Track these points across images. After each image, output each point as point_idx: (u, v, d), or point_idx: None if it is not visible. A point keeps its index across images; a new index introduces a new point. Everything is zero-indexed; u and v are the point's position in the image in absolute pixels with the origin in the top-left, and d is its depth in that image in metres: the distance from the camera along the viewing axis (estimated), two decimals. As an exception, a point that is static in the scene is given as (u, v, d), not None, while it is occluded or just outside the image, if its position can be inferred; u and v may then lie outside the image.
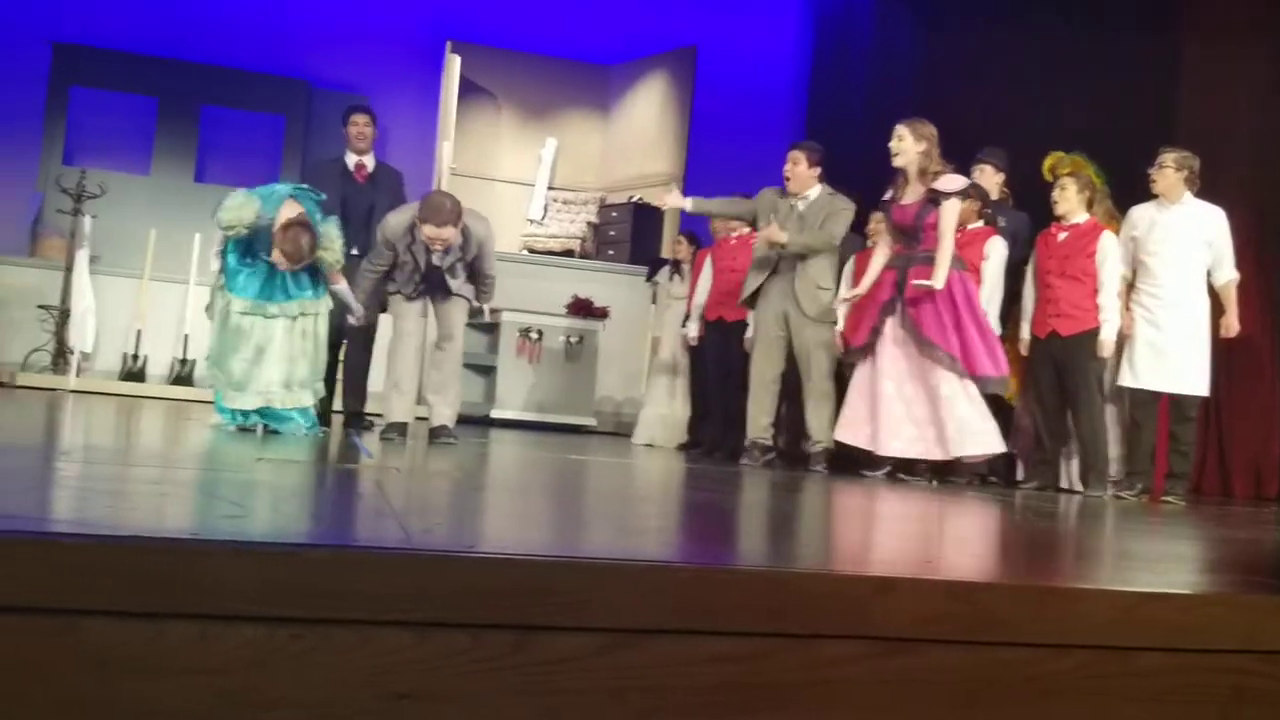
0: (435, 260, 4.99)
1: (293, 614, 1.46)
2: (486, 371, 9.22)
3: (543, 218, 11.19)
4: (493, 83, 11.27)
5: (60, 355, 8.94)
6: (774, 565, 1.89)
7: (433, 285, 5.16)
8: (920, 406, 5.28)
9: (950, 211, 5.29)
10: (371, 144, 5.97)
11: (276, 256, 4.60)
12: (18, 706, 1.37)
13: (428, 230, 4.83)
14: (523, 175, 11.36)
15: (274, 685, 1.44)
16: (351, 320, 5.17)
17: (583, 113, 11.53)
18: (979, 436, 5.20)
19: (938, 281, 5.18)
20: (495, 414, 8.68)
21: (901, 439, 5.29)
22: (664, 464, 5.46)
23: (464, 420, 9.04)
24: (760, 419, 5.91)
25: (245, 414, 4.69)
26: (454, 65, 10.53)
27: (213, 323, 4.86)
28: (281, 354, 4.72)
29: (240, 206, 4.67)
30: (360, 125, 5.91)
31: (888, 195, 5.55)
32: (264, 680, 1.43)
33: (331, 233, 4.78)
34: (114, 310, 9.21)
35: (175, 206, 10.28)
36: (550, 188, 11.31)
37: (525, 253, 10.68)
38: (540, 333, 8.90)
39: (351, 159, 5.95)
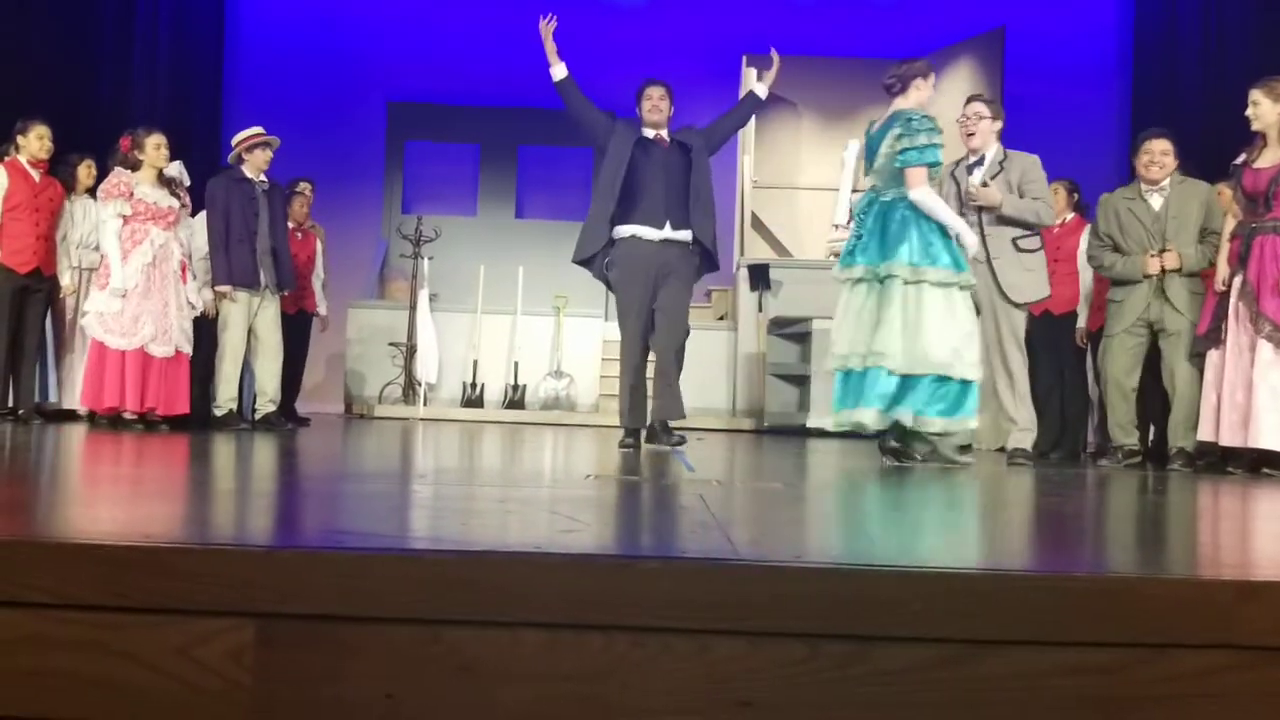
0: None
1: (633, 623, 1.51)
2: (800, 381, 9.19)
3: (848, 222, 11.04)
4: (790, 91, 11.27)
5: (409, 387, 9.77)
6: (1125, 571, 1.76)
7: None
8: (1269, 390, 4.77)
9: None
10: (668, 119, 5.80)
11: None
12: (391, 708, 1.50)
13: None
14: (825, 181, 11.27)
15: (621, 691, 1.49)
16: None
17: (885, 110, 11.31)
18: None
19: None
20: (810, 423, 8.64)
21: (1264, 429, 4.78)
22: (994, 468, 5.23)
23: (778, 430, 9.10)
24: (1125, 428, 5.47)
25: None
26: (751, 79, 10.64)
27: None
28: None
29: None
30: (654, 99, 5.77)
31: (1240, 159, 5.06)
32: (611, 686, 1.49)
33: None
34: (452, 343, 9.97)
35: (500, 243, 11.05)
36: (854, 190, 11.15)
37: (832, 258, 10.58)
38: (853, 339, 8.76)
39: (650, 132, 5.77)
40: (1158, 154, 5.41)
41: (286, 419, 6.82)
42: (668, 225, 5.55)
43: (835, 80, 11.27)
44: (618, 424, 5.73)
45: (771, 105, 11.13)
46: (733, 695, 1.49)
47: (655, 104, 5.74)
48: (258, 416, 6.55)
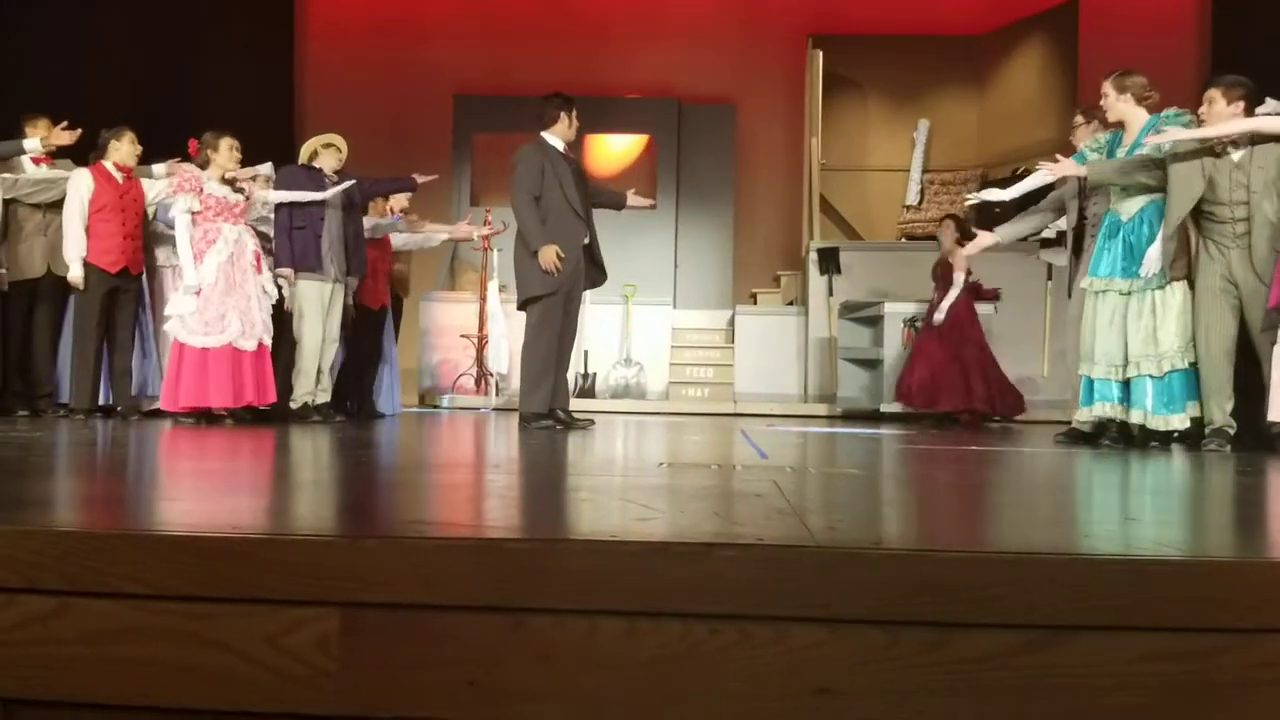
0: None
1: (710, 610, 1.51)
2: (872, 365, 9.11)
3: (919, 202, 10.92)
4: (857, 72, 11.16)
5: (481, 378, 9.86)
6: (1215, 553, 1.72)
7: None
8: None
9: None
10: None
11: None
12: (472, 695, 1.52)
13: None
14: (895, 161, 11.15)
15: (698, 678, 1.50)
16: None
17: (955, 88, 11.13)
18: None
19: None
20: (884, 408, 8.56)
21: None
22: (1075, 451, 5.13)
23: (851, 415, 9.02)
24: (1222, 402, 5.10)
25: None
26: (817, 60, 10.54)
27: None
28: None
29: None
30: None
31: None
32: (689, 673, 1.50)
33: None
34: (522, 334, 10.02)
35: (567, 233, 11.07)
36: (925, 170, 11.02)
37: (903, 240, 10.47)
38: (925, 321, 8.65)
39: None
40: (1202, 106, 5.15)
41: (340, 412, 6.81)
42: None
43: (902, 59, 11.12)
44: (534, 409, 6.18)
45: (838, 86, 11.02)
46: (811, 683, 1.49)
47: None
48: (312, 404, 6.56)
